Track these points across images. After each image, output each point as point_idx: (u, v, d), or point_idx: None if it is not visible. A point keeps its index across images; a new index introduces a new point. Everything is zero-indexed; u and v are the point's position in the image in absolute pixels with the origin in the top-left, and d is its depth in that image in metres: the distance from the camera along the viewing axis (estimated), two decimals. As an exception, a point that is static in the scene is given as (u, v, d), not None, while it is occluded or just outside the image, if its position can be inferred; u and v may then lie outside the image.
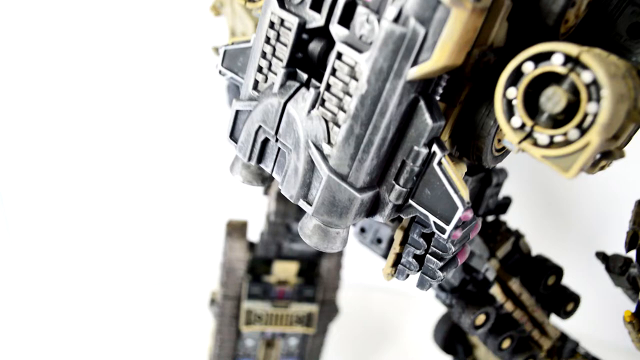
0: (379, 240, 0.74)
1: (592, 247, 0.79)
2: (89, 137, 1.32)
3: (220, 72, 0.56)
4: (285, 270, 0.96)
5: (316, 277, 0.99)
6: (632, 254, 0.69)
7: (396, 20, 0.38)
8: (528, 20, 0.44)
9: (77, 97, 1.28)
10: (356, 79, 0.41)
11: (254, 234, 0.98)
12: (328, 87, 0.43)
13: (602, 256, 0.76)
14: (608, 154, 0.45)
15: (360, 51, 0.40)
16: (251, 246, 0.95)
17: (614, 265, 0.73)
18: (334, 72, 0.42)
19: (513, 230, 0.76)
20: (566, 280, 0.82)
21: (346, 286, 1.11)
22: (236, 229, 0.95)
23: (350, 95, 0.41)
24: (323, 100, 0.43)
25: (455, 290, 0.72)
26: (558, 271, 0.76)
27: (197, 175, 1.37)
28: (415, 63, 0.39)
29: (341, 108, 0.42)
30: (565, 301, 0.77)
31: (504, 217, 0.81)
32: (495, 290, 0.71)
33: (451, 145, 0.49)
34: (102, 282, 1.39)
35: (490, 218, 0.78)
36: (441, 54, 0.38)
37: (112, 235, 1.42)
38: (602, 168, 0.48)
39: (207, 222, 1.35)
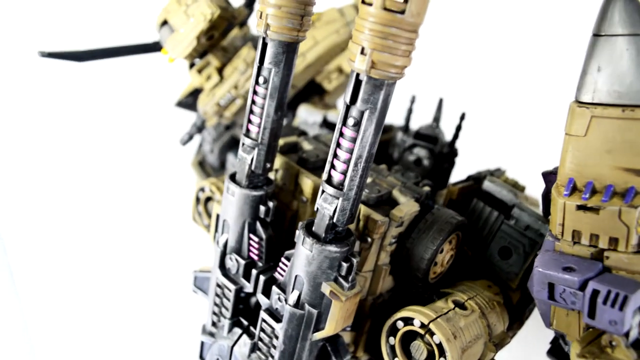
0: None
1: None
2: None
3: (194, 290, 0.71)
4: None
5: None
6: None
7: (296, 304, 0.53)
8: (406, 274, 0.58)
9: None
10: (277, 337, 0.55)
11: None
12: (260, 339, 0.57)
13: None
14: (476, 372, 0.58)
15: (277, 319, 0.55)
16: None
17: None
18: (262, 330, 0.57)
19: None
20: None
21: None
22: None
23: (275, 348, 0.56)
24: (258, 348, 0.58)
25: None
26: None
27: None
28: (316, 330, 0.54)
29: (271, 355, 0.57)
30: None
31: None
32: None
33: (368, 354, 0.63)
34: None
35: None
36: (331, 326, 0.53)
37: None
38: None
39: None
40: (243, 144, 0.56)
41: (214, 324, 0.63)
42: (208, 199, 0.72)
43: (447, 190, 0.65)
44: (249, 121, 0.56)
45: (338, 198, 0.49)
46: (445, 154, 0.70)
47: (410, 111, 0.74)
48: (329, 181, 0.50)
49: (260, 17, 0.51)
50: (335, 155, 0.49)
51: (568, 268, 0.50)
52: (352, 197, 0.49)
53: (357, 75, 0.45)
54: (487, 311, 0.56)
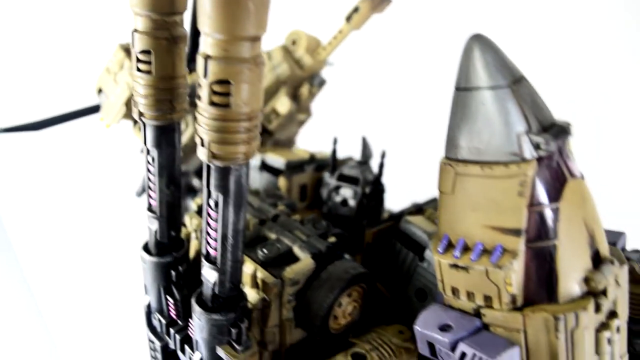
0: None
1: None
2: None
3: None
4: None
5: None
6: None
7: (200, 364, 0.57)
8: (308, 327, 0.59)
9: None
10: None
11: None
12: (184, 392, 0.62)
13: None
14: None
15: (192, 377, 0.59)
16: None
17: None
18: (183, 384, 0.62)
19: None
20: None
21: None
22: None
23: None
24: (184, 399, 0.63)
25: None
26: None
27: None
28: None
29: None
30: None
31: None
32: None
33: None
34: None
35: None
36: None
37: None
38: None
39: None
40: (148, 217, 0.60)
41: (154, 374, 0.69)
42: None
43: (365, 234, 0.66)
44: (149, 196, 0.59)
45: (215, 272, 0.52)
46: (370, 193, 0.70)
47: (334, 152, 0.74)
48: (206, 257, 0.53)
49: (134, 104, 0.54)
50: (207, 233, 0.52)
51: (445, 326, 0.50)
52: (227, 270, 0.52)
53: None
54: (391, 363, 0.57)
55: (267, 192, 0.70)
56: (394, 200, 0.75)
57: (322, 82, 0.82)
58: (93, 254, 1.43)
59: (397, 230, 0.65)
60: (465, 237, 0.49)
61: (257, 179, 0.79)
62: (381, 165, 0.71)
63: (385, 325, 0.62)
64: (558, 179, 0.47)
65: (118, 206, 1.42)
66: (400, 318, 0.64)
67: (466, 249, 0.49)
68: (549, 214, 0.46)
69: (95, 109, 0.80)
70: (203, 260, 0.53)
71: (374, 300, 0.63)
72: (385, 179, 0.73)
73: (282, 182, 0.76)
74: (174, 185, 0.58)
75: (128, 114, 0.78)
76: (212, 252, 0.52)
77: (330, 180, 0.73)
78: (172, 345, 0.63)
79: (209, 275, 0.52)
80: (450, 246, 0.51)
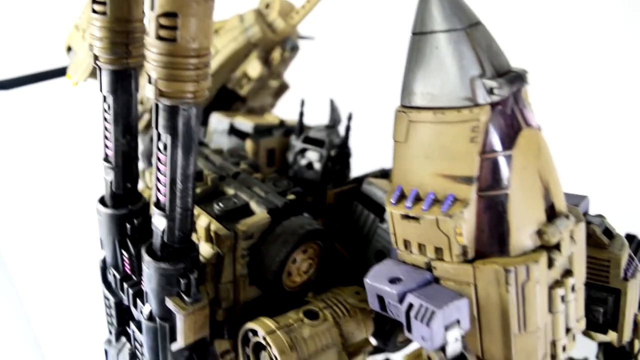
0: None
1: None
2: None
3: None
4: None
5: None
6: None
7: (149, 318, 0.55)
8: (262, 284, 0.58)
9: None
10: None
11: None
12: (135, 348, 0.61)
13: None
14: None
15: (141, 331, 0.58)
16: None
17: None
18: (135, 339, 0.60)
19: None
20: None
21: None
22: None
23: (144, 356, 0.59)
24: (136, 356, 0.61)
25: None
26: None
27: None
28: (173, 340, 0.56)
29: (146, 363, 0.60)
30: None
31: None
32: None
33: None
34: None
35: None
36: (183, 338, 0.55)
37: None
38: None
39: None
40: (104, 167, 0.59)
41: (110, 332, 0.68)
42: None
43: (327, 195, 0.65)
44: (105, 146, 0.58)
45: (164, 219, 0.51)
46: (336, 156, 0.69)
47: (301, 114, 0.73)
48: (156, 203, 0.52)
49: (90, 48, 0.53)
50: (157, 178, 0.51)
51: (394, 279, 0.49)
52: (176, 217, 0.51)
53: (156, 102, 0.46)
54: (343, 320, 0.56)
55: (230, 151, 0.69)
56: (364, 167, 0.74)
57: (294, 47, 0.81)
58: (68, 223, 1.42)
59: (358, 192, 0.64)
60: (418, 187, 0.48)
61: (225, 143, 0.78)
62: (347, 128, 0.70)
63: (343, 286, 0.61)
64: (512, 126, 0.46)
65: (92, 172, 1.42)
66: (359, 280, 0.63)
67: (418, 199, 0.48)
68: (501, 161, 0.45)
69: (63, 72, 0.79)
70: (153, 207, 0.52)
71: (332, 261, 0.62)
72: (354, 145, 0.72)
73: (249, 145, 0.75)
74: (129, 134, 0.57)
75: (95, 72, 0.77)
76: (161, 198, 0.51)
77: (296, 142, 0.72)
78: (125, 301, 0.62)
79: (158, 222, 0.51)
80: (402, 197, 0.50)
